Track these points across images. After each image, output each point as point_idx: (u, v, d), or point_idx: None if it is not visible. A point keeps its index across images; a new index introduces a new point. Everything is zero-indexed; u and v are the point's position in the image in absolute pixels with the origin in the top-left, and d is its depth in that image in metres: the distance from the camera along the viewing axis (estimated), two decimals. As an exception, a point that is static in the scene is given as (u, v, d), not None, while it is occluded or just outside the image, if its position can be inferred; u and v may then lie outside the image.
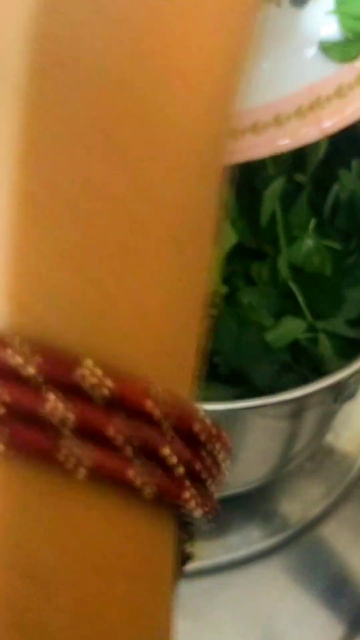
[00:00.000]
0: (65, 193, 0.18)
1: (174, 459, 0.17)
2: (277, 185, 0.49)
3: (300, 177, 0.53)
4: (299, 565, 0.53)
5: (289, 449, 0.49)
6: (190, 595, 0.51)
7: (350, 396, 0.43)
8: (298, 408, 0.44)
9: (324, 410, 0.46)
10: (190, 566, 0.58)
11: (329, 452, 0.58)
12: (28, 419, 0.16)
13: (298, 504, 0.55)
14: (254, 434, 0.45)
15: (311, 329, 0.46)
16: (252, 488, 0.53)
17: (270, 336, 0.45)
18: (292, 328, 0.45)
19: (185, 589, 0.57)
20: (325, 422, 0.50)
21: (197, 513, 0.18)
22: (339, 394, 0.43)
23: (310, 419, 0.46)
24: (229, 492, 0.52)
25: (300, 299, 0.46)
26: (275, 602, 0.51)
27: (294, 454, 0.51)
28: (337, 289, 0.49)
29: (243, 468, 0.49)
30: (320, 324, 0.46)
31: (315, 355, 0.46)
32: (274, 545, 0.53)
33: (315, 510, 0.55)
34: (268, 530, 0.54)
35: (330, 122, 0.35)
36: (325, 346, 0.45)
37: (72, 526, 0.17)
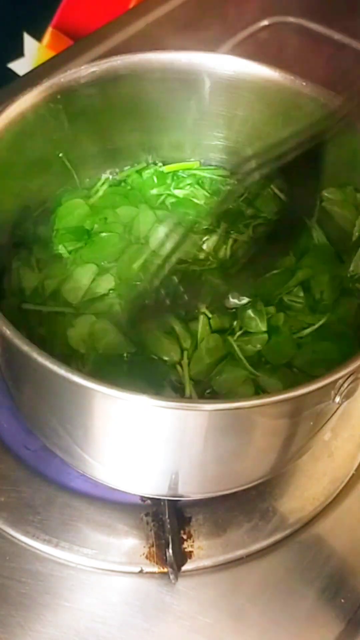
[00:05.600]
0: None
1: None
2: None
3: (242, 237, 0.57)
4: (298, 564, 0.53)
5: (288, 448, 0.49)
6: (189, 594, 0.51)
7: (349, 396, 0.43)
8: (297, 407, 0.44)
9: (322, 410, 0.46)
10: (190, 565, 0.58)
11: (328, 451, 0.58)
12: None
13: (297, 502, 0.55)
14: (253, 433, 0.45)
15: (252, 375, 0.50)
16: (252, 487, 0.53)
17: (215, 384, 0.50)
18: (235, 376, 0.50)
19: (185, 588, 0.57)
20: (324, 421, 0.50)
21: None
22: (337, 393, 0.43)
23: (309, 418, 0.47)
24: (228, 490, 0.52)
25: (238, 354, 0.51)
26: (273, 600, 0.51)
27: (293, 452, 0.51)
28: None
29: (242, 467, 0.50)
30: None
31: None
32: (273, 544, 0.54)
33: (314, 509, 0.55)
34: (267, 529, 0.54)
35: None
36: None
37: None
